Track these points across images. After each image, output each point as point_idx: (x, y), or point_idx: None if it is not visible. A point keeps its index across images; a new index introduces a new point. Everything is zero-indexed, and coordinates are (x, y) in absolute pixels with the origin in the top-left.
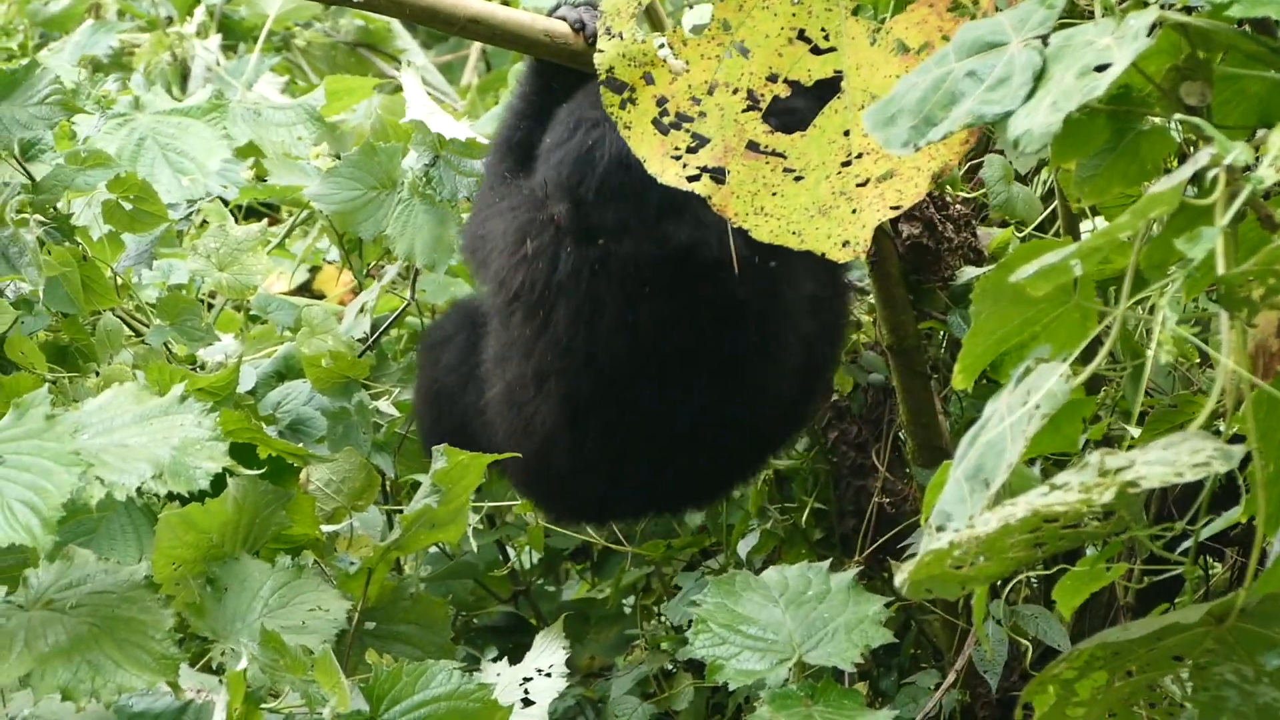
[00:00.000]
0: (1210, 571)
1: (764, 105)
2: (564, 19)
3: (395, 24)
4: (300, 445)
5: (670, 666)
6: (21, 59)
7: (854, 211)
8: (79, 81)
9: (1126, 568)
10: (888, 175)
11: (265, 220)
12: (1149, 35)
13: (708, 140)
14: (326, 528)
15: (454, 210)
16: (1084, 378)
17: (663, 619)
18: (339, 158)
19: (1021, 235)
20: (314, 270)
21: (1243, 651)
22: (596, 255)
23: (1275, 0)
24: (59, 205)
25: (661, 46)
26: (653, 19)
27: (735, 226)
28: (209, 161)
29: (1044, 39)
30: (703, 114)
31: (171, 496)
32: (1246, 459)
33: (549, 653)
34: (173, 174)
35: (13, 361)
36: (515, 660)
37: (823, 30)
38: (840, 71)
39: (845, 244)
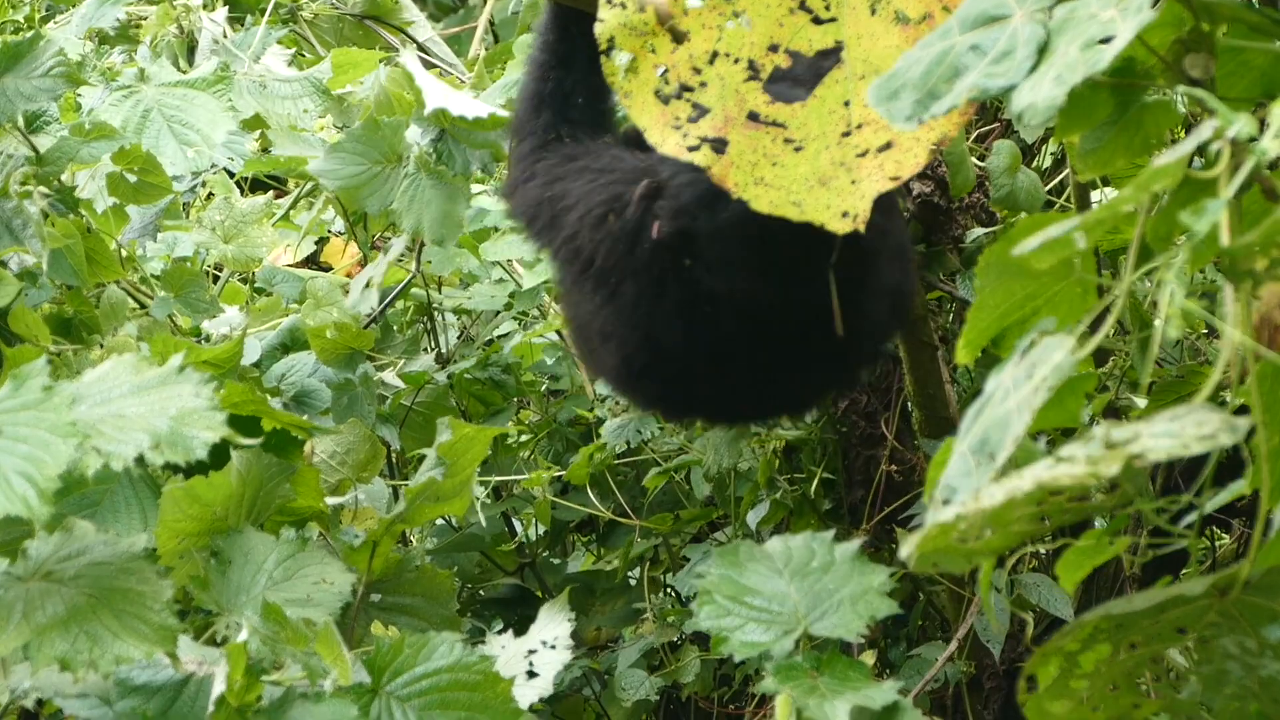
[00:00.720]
0: (1217, 543)
1: (764, 75)
2: None
3: None
4: (305, 417)
5: (677, 639)
6: (27, 32)
7: (853, 182)
8: (84, 54)
9: (1129, 542)
10: (887, 146)
11: (271, 193)
12: (1152, 7)
13: (708, 110)
14: (331, 500)
15: (465, 184)
16: (1088, 350)
17: (670, 591)
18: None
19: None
20: (321, 242)
21: (1246, 624)
22: (681, 270)
23: None
24: (63, 177)
25: None
26: None
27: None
28: (214, 134)
29: (1048, 10)
30: (704, 84)
31: (175, 469)
32: (1251, 431)
33: (554, 625)
34: (178, 146)
35: (17, 334)
36: (521, 633)
37: (824, 0)
38: (841, 41)
39: (845, 215)
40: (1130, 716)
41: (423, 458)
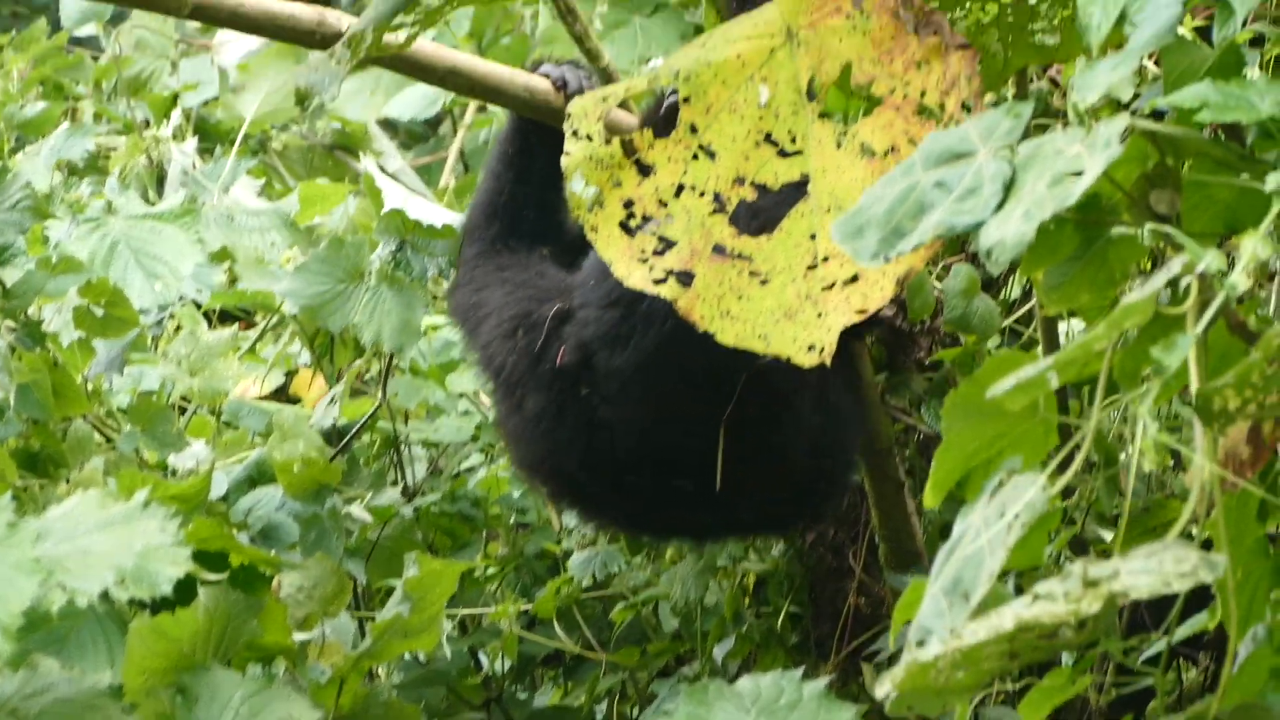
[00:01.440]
0: (1184, 674)
1: (730, 208)
2: (547, 75)
3: (373, 126)
4: (272, 552)
5: None
6: None
7: (819, 315)
8: (53, 185)
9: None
10: (853, 279)
11: (238, 325)
12: (1120, 142)
13: (675, 243)
14: (298, 635)
15: (423, 291)
16: (1060, 486)
17: None
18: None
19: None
20: (289, 374)
21: None
22: (579, 397)
23: (1242, 105)
24: (30, 311)
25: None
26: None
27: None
28: (182, 266)
29: (1013, 147)
30: (670, 216)
31: (142, 605)
32: None
33: None
34: (145, 278)
35: None
36: None
37: (789, 133)
38: (806, 174)
39: (810, 348)
40: None
41: (390, 591)
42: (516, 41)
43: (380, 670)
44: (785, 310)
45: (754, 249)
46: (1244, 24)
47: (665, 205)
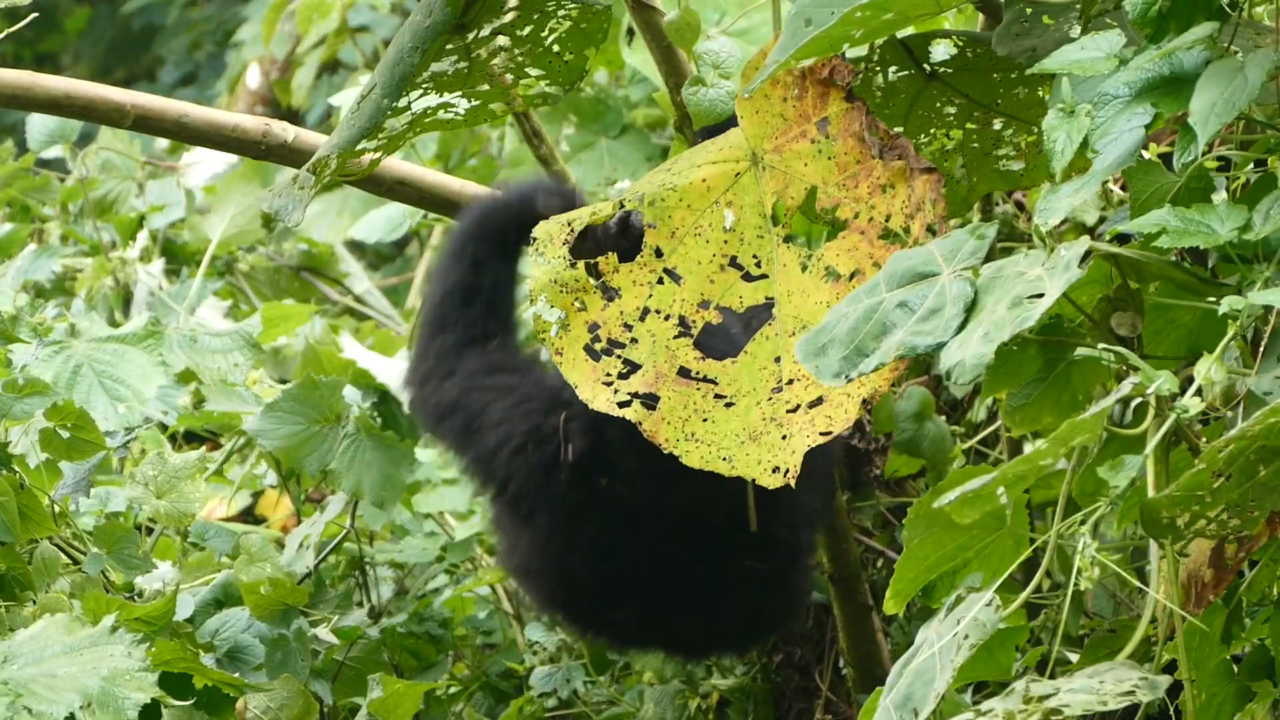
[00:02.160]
0: None
1: (695, 331)
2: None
3: (339, 247)
4: (237, 674)
5: None
6: None
7: (784, 437)
8: (19, 308)
9: None
10: (818, 401)
11: (204, 446)
12: (1080, 265)
13: (639, 366)
14: None
15: (409, 448)
16: (1014, 608)
17: None
18: (284, 382)
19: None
20: (256, 495)
21: None
22: (597, 491)
23: (1201, 231)
24: None
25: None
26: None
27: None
28: (145, 388)
29: (975, 269)
30: (634, 340)
31: None
32: (1177, 686)
33: None
34: (109, 401)
35: None
36: None
37: (754, 257)
38: (771, 298)
39: (775, 470)
40: None
41: (355, 710)
42: (483, 163)
43: None
44: (750, 433)
45: (719, 372)
46: (1210, 149)
47: (630, 329)
